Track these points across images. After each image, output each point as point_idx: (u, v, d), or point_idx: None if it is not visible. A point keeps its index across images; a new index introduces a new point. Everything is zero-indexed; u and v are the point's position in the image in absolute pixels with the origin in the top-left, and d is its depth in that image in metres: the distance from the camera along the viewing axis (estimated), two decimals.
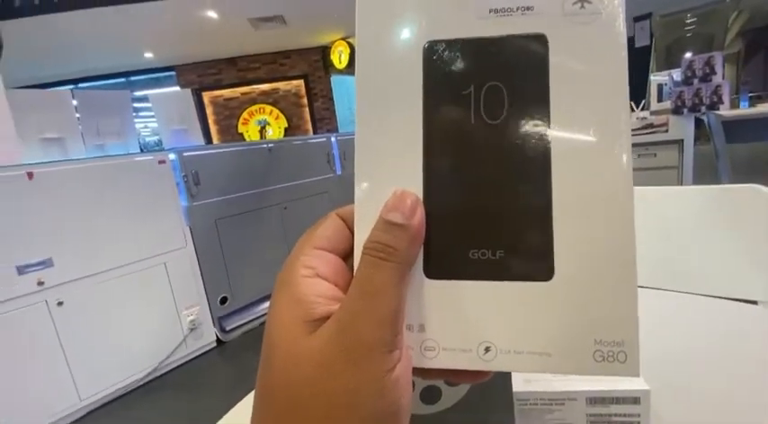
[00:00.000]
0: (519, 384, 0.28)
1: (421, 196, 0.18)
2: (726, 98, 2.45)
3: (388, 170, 0.18)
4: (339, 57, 5.61)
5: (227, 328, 2.04)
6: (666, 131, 2.62)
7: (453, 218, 0.18)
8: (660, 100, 2.91)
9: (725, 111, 2.42)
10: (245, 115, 5.84)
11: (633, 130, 2.66)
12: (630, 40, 4.99)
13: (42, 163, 1.50)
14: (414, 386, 0.30)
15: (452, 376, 0.18)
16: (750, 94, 3.20)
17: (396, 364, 0.16)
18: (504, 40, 0.17)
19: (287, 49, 5.68)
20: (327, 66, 5.85)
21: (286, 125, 5.90)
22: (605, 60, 0.17)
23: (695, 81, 2.52)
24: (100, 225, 1.58)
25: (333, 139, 2.60)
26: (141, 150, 3.11)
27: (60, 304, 1.46)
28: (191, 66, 5.67)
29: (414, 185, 0.18)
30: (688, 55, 2.95)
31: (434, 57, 0.18)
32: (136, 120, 2.37)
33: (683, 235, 0.71)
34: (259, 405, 0.17)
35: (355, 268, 0.17)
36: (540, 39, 0.17)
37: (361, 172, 0.18)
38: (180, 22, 4.31)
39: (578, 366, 0.16)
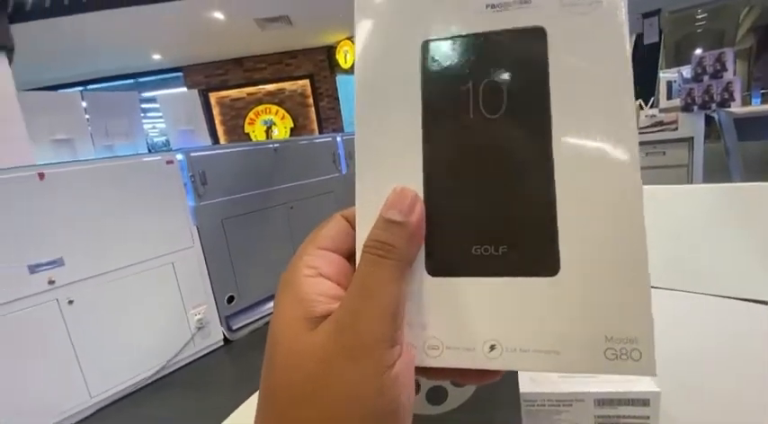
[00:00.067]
0: (526, 384, 0.27)
1: (421, 193, 0.17)
2: (737, 95, 2.41)
3: (388, 168, 0.18)
4: (345, 57, 5.61)
5: (234, 327, 2.05)
6: (676, 129, 2.59)
7: (454, 215, 0.17)
8: (669, 97, 2.87)
9: (736, 108, 2.39)
10: (251, 115, 5.87)
11: (642, 128, 2.63)
12: (639, 37, 4.93)
13: (53, 163, 1.52)
14: (420, 387, 0.30)
15: (459, 377, 0.18)
16: (762, 91, 3.15)
17: (395, 360, 0.16)
18: (501, 35, 0.17)
19: (293, 50, 5.69)
20: (333, 66, 5.86)
21: (292, 125, 5.92)
22: (606, 50, 0.16)
23: (705, 78, 2.48)
24: (109, 225, 1.60)
25: (338, 139, 2.60)
26: (149, 150, 3.14)
27: (71, 302, 1.48)
28: (198, 66, 5.71)
29: (414, 183, 0.18)
30: (698, 51, 2.92)
31: (432, 55, 0.18)
32: (144, 121, 2.39)
33: (693, 235, 0.70)
34: (262, 404, 0.17)
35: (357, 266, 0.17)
36: (538, 32, 0.17)
37: (362, 171, 0.18)
38: (187, 24, 4.34)
39: (589, 365, 0.16)
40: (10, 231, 1.36)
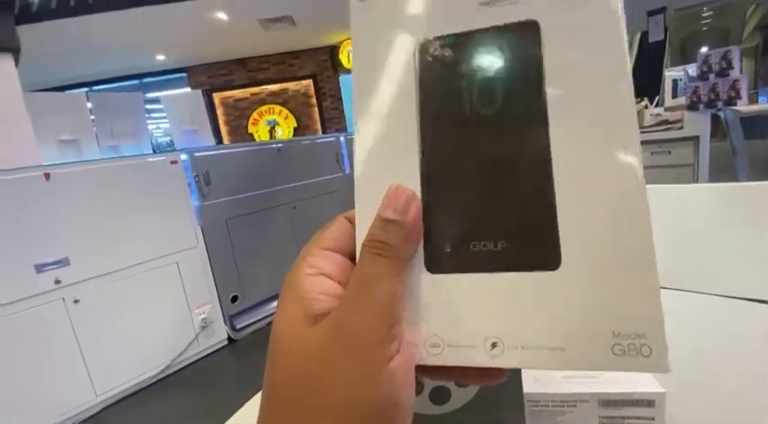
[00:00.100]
0: (530, 385, 0.27)
1: (419, 190, 0.18)
2: (744, 93, 2.39)
3: (385, 167, 0.18)
4: (348, 57, 5.62)
5: (238, 326, 2.06)
6: (681, 128, 2.57)
7: (452, 211, 0.17)
8: (675, 96, 2.85)
9: (742, 107, 2.37)
10: (254, 115, 5.88)
11: (647, 127, 2.61)
12: (644, 35, 4.90)
13: (59, 164, 1.53)
14: (423, 386, 0.30)
15: (463, 377, 0.18)
16: None
17: (393, 355, 0.16)
18: (494, 31, 0.17)
19: (296, 50, 5.70)
20: (336, 66, 5.86)
21: (295, 125, 5.93)
22: (603, 42, 0.16)
23: (711, 76, 2.46)
24: (114, 225, 1.61)
25: (341, 139, 2.60)
26: (154, 151, 3.16)
27: (77, 301, 1.50)
28: (201, 67, 5.73)
29: (411, 181, 0.18)
30: (704, 49, 2.89)
31: (427, 55, 0.18)
32: (148, 121, 2.40)
33: (699, 235, 0.69)
34: (265, 401, 0.17)
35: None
36: (532, 26, 0.16)
37: (360, 170, 0.19)
38: (191, 24, 4.36)
39: (596, 362, 0.15)
40: (17, 231, 1.37)
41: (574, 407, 0.26)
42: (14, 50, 3.23)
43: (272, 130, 5.88)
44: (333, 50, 5.79)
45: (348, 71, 5.74)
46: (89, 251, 1.53)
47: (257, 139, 5.77)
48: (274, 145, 2.29)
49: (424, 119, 0.18)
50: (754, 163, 2.32)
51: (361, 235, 0.18)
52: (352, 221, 0.20)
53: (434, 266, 0.17)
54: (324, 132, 5.93)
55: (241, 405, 0.48)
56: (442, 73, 0.18)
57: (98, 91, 5.56)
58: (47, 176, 1.44)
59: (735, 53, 2.41)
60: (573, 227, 0.16)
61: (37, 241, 1.41)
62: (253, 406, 0.47)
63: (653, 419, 0.25)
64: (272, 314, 2.03)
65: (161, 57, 5.35)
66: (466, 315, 0.17)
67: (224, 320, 1.98)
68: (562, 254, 0.16)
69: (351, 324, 0.16)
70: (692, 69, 2.62)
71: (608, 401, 0.26)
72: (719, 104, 2.43)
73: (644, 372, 0.15)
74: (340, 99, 6.02)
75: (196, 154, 1.91)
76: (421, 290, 0.17)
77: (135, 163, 1.71)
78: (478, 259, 0.17)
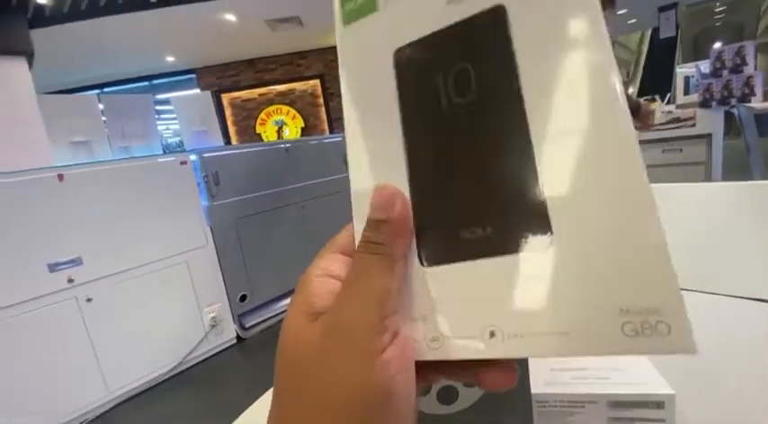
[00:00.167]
0: (538, 385, 0.27)
1: (408, 189, 0.18)
2: (758, 90, 2.34)
3: (376, 171, 0.19)
4: None
5: (247, 325, 2.08)
6: (693, 125, 2.53)
7: (439, 202, 0.18)
8: (687, 93, 2.81)
9: (757, 104, 2.32)
10: (262, 116, 5.92)
11: (658, 125, 2.57)
12: (655, 31, 4.83)
13: (71, 165, 1.56)
14: (430, 386, 0.30)
15: (472, 377, 0.18)
16: None
17: (385, 346, 0.16)
18: (462, 24, 0.17)
19: (303, 50, 5.73)
20: None
21: (303, 125, 5.95)
22: (573, 11, 0.15)
23: (725, 72, 2.42)
24: (125, 225, 1.63)
25: None
26: (164, 151, 3.20)
27: (89, 300, 1.52)
28: (210, 68, 5.78)
29: (400, 180, 0.18)
30: (717, 45, 2.84)
31: (402, 60, 0.19)
32: (158, 122, 2.43)
33: (712, 234, 0.68)
34: (274, 396, 0.18)
35: None
36: (498, 11, 0.16)
37: (353, 172, 0.20)
38: (200, 26, 4.40)
39: (605, 345, 0.14)
40: (31, 231, 1.40)
41: (582, 408, 0.26)
42: (28, 54, 3.30)
43: (279, 130, 5.91)
44: None
45: None
46: (101, 250, 1.56)
47: (265, 139, 5.81)
48: (282, 146, 2.31)
49: (405, 121, 0.18)
50: None
51: (359, 239, 0.18)
52: None
53: (427, 259, 0.18)
54: (331, 132, 5.95)
55: (250, 403, 0.48)
56: (417, 74, 0.18)
57: (109, 93, 5.65)
58: (60, 177, 1.47)
59: (749, 49, 2.36)
60: (560, 198, 0.15)
61: (50, 240, 1.44)
62: (262, 404, 0.48)
63: (663, 421, 0.25)
64: (280, 313, 2.05)
65: (170, 59, 5.41)
66: (462, 305, 0.17)
67: (233, 319, 2.00)
68: (553, 228, 0.15)
69: (344, 318, 0.16)
70: (705, 66, 2.57)
71: (617, 403, 0.26)
72: (733, 101, 2.38)
73: (664, 354, 0.13)
74: None
75: (205, 155, 1.93)
76: (417, 284, 0.18)
77: (145, 163, 1.73)
78: (468, 246, 0.17)
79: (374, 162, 0.19)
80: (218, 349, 1.93)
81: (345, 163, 0.21)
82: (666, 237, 0.13)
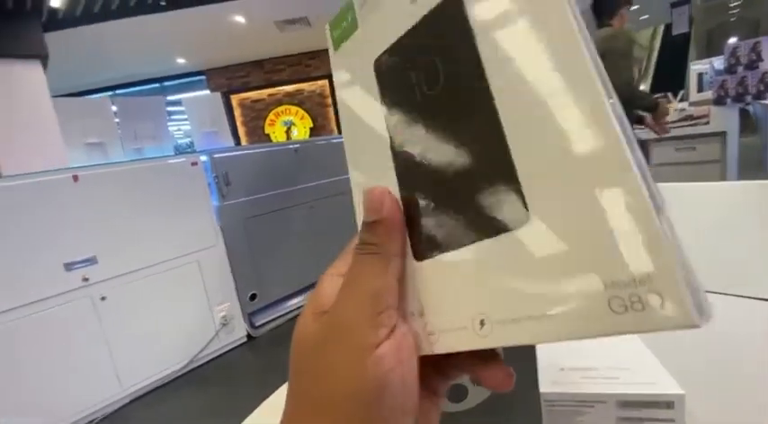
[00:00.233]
0: (546, 385, 0.27)
1: (397, 188, 0.19)
2: None
3: (370, 174, 0.20)
4: None
5: (257, 323, 2.10)
6: (707, 123, 2.48)
7: (423, 195, 0.18)
8: (700, 90, 2.76)
9: None
10: (271, 116, 5.96)
11: (671, 123, 2.53)
12: (668, 27, 4.75)
13: (86, 166, 1.59)
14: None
15: (472, 373, 0.18)
16: None
17: (380, 342, 0.16)
18: (423, 21, 0.18)
19: (311, 50, 5.75)
20: None
21: (311, 125, 5.98)
22: None
23: (740, 68, 2.37)
24: (138, 225, 1.66)
25: None
26: (176, 152, 3.24)
27: (104, 299, 1.55)
28: (220, 69, 5.84)
29: (391, 181, 0.19)
30: (732, 40, 2.79)
31: (382, 67, 0.20)
32: (168, 124, 2.47)
33: (727, 235, 0.67)
34: (286, 394, 0.18)
35: None
36: (455, 2, 0.16)
37: (352, 177, 0.21)
38: (210, 28, 4.45)
39: (592, 326, 0.12)
40: (48, 230, 1.43)
41: (591, 408, 0.26)
42: (43, 57, 3.37)
43: (288, 131, 5.95)
44: None
45: None
46: (115, 250, 1.59)
47: (274, 140, 5.85)
48: (291, 146, 2.33)
49: (389, 123, 0.19)
50: None
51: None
52: None
53: (419, 254, 0.18)
54: (339, 132, 5.96)
55: (261, 401, 0.49)
56: (393, 78, 0.19)
57: (120, 95, 5.73)
58: (75, 178, 1.50)
59: (765, 44, 2.31)
60: (532, 173, 0.14)
61: (66, 240, 1.47)
62: (274, 400, 0.48)
63: (673, 421, 0.25)
64: (289, 312, 2.06)
65: (181, 61, 5.48)
66: (451, 296, 0.17)
67: (243, 317, 2.02)
68: (528, 205, 0.14)
69: (341, 315, 0.17)
70: (719, 62, 2.53)
71: (626, 402, 0.26)
72: (748, 98, 2.33)
73: (659, 330, 0.11)
74: None
75: (215, 156, 1.95)
76: (413, 280, 0.18)
77: (157, 164, 1.76)
78: (452, 236, 0.17)
79: (368, 166, 0.20)
80: (228, 348, 1.96)
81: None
82: (650, 202, 0.11)
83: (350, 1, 0.21)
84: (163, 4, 3.82)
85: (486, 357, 0.18)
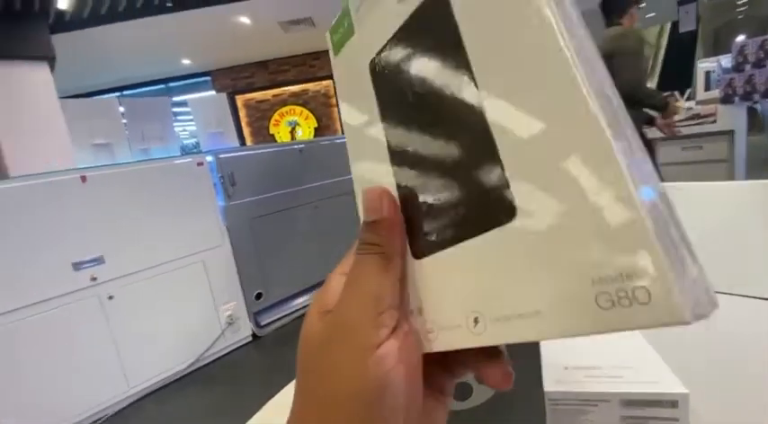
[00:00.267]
0: (550, 383, 0.27)
1: (395, 187, 0.19)
2: None
3: (371, 174, 0.20)
4: None
5: (262, 323, 2.11)
6: (714, 122, 2.46)
7: (419, 194, 0.18)
8: (708, 88, 2.74)
9: None
10: (275, 116, 5.98)
11: (678, 122, 2.51)
12: (674, 25, 4.70)
13: (94, 167, 1.61)
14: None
15: (475, 369, 0.18)
16: None
17: (381, 341, 0.16)
18: (410, 19, 0.18)
19: (316, 51, 5.76)
20: None
21: (316, 125, 5.99)
22: None
23: (747, 67, 2.35)
24: (145, 225, 1.67)
25: None
26: (182, 153, 3.26)
27: (111, 298, 1.57)
28: (225, 70, 5.87)
29: (389, 181, 0.19)
30: (740, 38, 2.76)
31: (376, 68, 0.20)
32: (174, 124, 2.49)
33: (733, 235, 0.67)
34: (295, 393, 0.18)
35: None
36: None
37: (354, 176, 0.22)
38: (215, 29, 4.47)
39: (581, 323, 0.12)
40: (56, 230, 1.45)
41: (595, 406, 0.26)
42: (50, 59, 3.41)
43: (293, 131, 5.97)
44: None
45: None
46: (122, 249, 1.60)
47: (279, 140, 5.86)
48: (296, 146, 2.34)
49: (385, 124, 0.20)
50: None
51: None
52: None
53: (417, 252, 0.18)
54: (343, 132, 5.96)
55: (266, 400, 0.49)
56: (386, 78, 0.19)
57: (127, 96, 5.77)
58: (83, 179, 1.51)
59: None
60: (518, 167, 0.14)
61: (74, 240, 1.49)
62: (280, 398, 0.49)
63: (677, 420, 0.25)
64: (294, 312, 2.07)
65: (186, 62, 5.51)
66: (447, 294, 0.17)
67: (248, 317, 2.03)
68: (515, 200, 0.14)
69: (343, 315, 0.17)
70: (727, 60, 2.50)
71: (630, 401, 0.26)
72: (756, 96, 2.31)
73: (649, 327, 0.11)
74: None
75: (221, 156, 1.97)
76: (413, 278, 0.18)
77: (164, 165, 1.78)
78: (445, 233, 0.17)
79: (368, 166, 0.21)
80: (234, 347, 1.97)
81: None
82: (638, 196, 0.11)
83: (346, 6, 0.22)
84: (169, 5, 3.85)
85: (488, 354, 0.17)
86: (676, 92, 3.27)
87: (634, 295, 0.11)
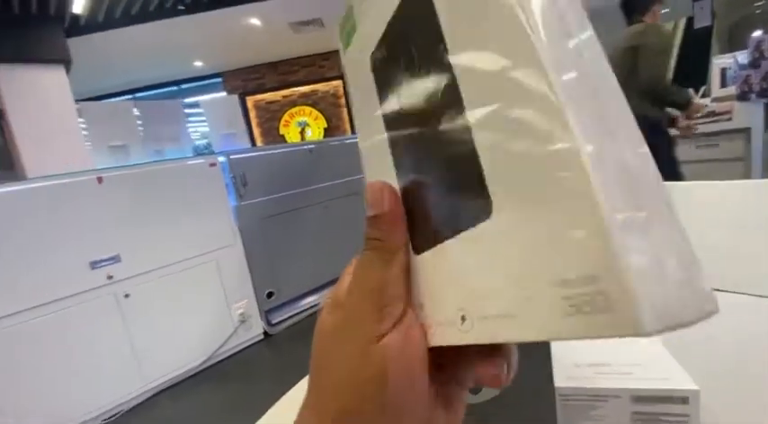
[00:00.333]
0: (561, 379, 0.28)
1: (397, 181, 0.19)
2: None
3: (378, 170, 0.21)
4: None
5: (273, 321, 2.13)
6: (730, 119, 2.42)
7: (415, 190, 0.18)
8: (723, 85, 2.68)
9: None
10: (285, 117, 6.02)
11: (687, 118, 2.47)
12: (689, 21, 4.61)
13: (110, 168, 1.65)
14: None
15: (470, 363, 0.18)
16: None
17: (383, 333, 0.17)
18: (399, 7, 0.18)
19: (325, 51, 5.79)
20: None
21: (325, 125, 6.02)
22: None
23: (764, 63, 2.30)
24: (159, 224, 1.71)
25: None
26: (194, 154, 3.31)
27: (127, 296, 1.60)
28: (236, 71, 5.93)
29: (391, 173, 0.20)
30: (757, 34, 2.69)
31: (375, 62, 0.20)
32: (187, 125, 2.53)
33: (751, 235, 0.66)
34: (307, 387, 0.19)
35: None
36: None
37: (365, 172, 0.22)
38: (227, 31, 4.53)
39: (547, 327, 0.11)
40: (74, 230, 1.48)
41: (605, 402, 0.27)
42: (66, 62, 3.48)
43: (302, 131, 6.00)
44: None
45: None
46: (137, 248, 1.64)
47: (288, 140, 5.91)
48: (306, 147, 2.36)
49: (386, 119, 0.20)
50: None
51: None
52: None
53: (416, 247, 0.18)
54: (353, 132, 5.98)
55: (277, 397, 0.50)
56: (384, 73, 0.20)
57: (140, 98, 5.87)
58: (99, 179, 1.55)
59: None
60: (494, 162, 0.13)
61: (91, 239, 1.52)
62: (294, 394, 0.50)
63: (687, 415, 0.25)
64: (305, 310, 2.08)
65: (198, 64, 5.58)
66: (440, 291, 0.17)
67: (260, 315, 2.06)
68: (491, 196, 0.13)
69: (349, 308, 0.18)
70: (743, 56, 2.45)
71: (641, 397, 0.26)
72: None
73: (608, 337, 0.10)
74: None
75: (233, 157, 1.99)
76: (415, 273, 0.18)
77: (177, 166, 1.81)
78: (438, 228, 0.16)
79: (375, 162, 0.21)
80: (246, 344, 1.99)
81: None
82: (606, 201, 0.10)
83: (349, 0, 0.22)
84: (182, 8, 3.91)
85: (484, 352, 0.17)
86: (691, 90, 3.21)
87: (595, 303, 0.10)
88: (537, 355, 0.27)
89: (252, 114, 6.02)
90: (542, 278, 0.11)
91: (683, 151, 2.54)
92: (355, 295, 0.18)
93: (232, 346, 1.93)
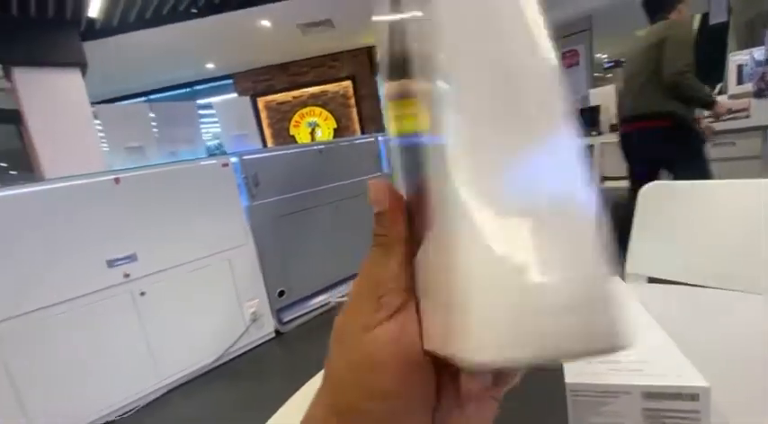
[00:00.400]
0: (571, 375, 0.28)
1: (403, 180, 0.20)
2: None
3: (397, 166, 0.21)
4: None
5: (285, 320, 2.15)
6: (747, 117, 2.37)
7: (411, 186, 0.19)
8: (740, 82, 2.63)
9: None
10: (296, 118, 6.07)
11: (708, 117, 2.43)
12: (704, 17, 4.52)
13: (126, 169, 1.69)
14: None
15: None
16: None
17: (378, 323, 0.17)
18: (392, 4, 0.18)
19: (334, 52, 5.82)
20: (374, 66, 5.91)
21: (335, 126, 6.05)
22: None
23: None
24: (174, 224, 1.74)
25: (380, 139, 2.64)
26: (207, 155, 3.36)
27: (143, 294, 1.64)
28: (247, 73, 6.00)
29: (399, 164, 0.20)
30: None
31: (382, 64, 0.21)
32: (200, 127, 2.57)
33: (763, 233, 0.65)
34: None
35: None
36: None
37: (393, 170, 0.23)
38: (238, 33, 4.58)
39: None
40: (91, 230, 1.52)
41: (616, 398, 0.27)
42: (82, 65, 3.56)
43: (312, 132, 6.04)
44: (371, 51, 5.84)
45: None
46: (153, 247, 1.67)
47: (298, 141, 5.95)
48: (316, 147, 2.38)
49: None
50: None
51: None
52: None
53: (417, 243, 0.18)
54: (363, 132, 6.00)
55: (289, 394, 0.51)
56: (392, 66, 0.20)
57: (154, 100, 5.97)
58: (116, 180, 1.59)
59: None
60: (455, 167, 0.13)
61: (108, 238, 1.56)
62: (306, 390, 0.51)
63: (698, 412, 0.25)
64: (316, 309, 2.09)
65: (210, 66, 5.66)
66: (432, 288, 0.16)
67: (272, 313, 2.08)
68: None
69: (352, 300, 0.19)
70: (760, 53, 2.40)
71: (651, 394, 0.26)
72: None
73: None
74: (378, 99, 6.06)
75: (245, 157, 2.02)
76: (416, 269, 0.18)
77: (191, 166, 1.84)
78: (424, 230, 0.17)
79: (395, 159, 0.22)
80: (257, 343, 2.02)
81: (376, 161, 0.23)
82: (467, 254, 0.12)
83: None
84: (194, 11, 3.97)
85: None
86: (707, 86, 3.15)
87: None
88: None
89: (263, 115, 6.08)
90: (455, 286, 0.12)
91: None
92: (358, 288, 0.19)
93: (244, 344, 1.96)
